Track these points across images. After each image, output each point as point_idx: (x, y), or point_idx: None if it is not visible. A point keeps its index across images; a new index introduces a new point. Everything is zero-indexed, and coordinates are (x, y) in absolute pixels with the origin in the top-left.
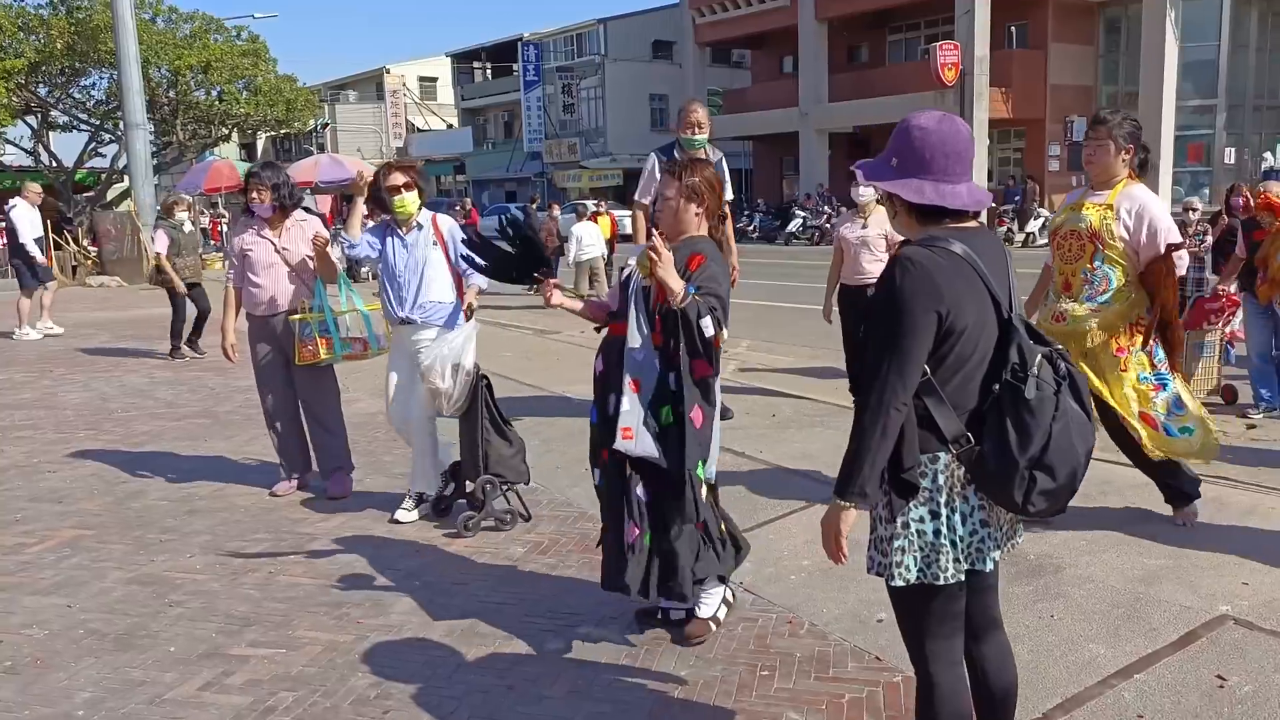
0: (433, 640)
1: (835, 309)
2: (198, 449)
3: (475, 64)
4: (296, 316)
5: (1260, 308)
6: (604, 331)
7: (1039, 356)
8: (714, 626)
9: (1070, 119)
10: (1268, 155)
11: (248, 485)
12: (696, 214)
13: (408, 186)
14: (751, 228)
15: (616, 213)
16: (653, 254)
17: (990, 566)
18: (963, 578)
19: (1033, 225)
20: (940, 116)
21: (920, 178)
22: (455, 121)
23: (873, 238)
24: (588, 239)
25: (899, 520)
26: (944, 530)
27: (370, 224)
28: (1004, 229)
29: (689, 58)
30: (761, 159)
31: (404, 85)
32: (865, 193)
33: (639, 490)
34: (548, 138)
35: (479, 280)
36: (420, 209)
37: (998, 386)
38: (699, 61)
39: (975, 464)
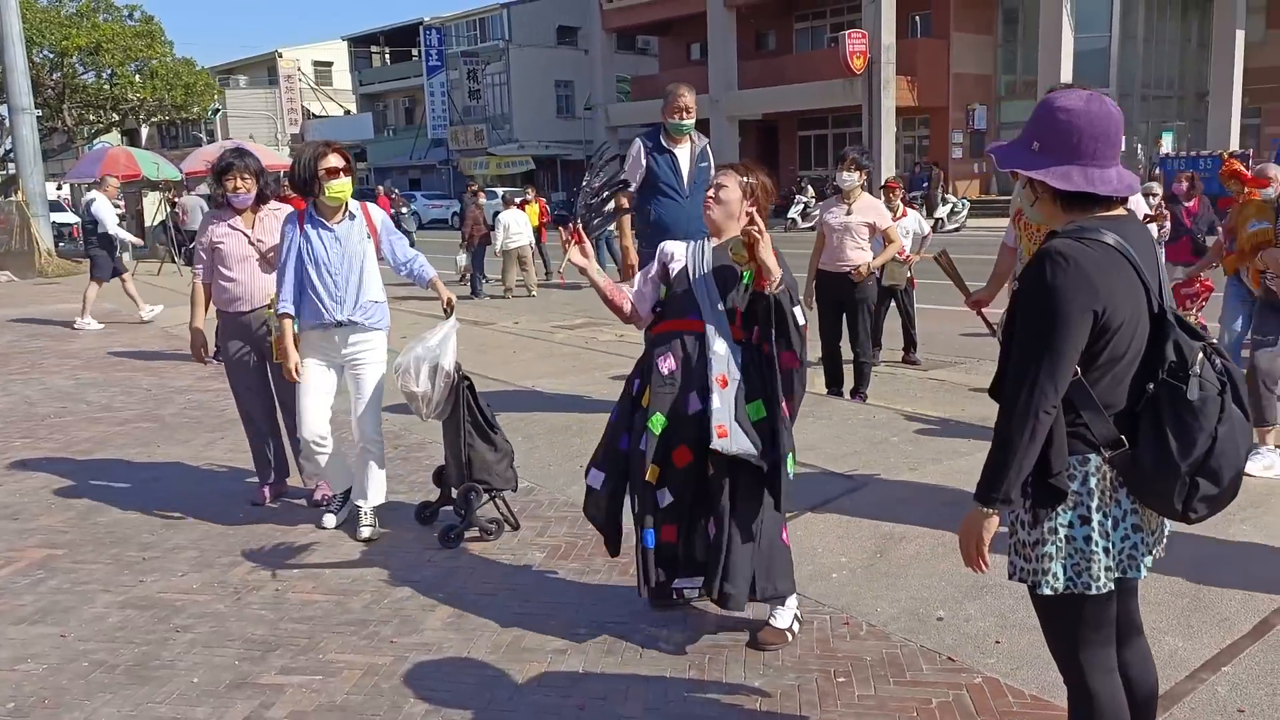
0: (479, 659)
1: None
2: (152, 455)
3: (373, 48)
4: (270, 310)
5: (1242, 293)
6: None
7: (1199, 354)
8: (789, 637)
9: (971, 107)
10: (1164, 138)
11: (221, 494)
12: (747, 214)
13: (345, 171)
14: None
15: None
16: (755, 233)
17: (1143, 573)
18: (1113, 586)
19: (941, 211)
20: (1088, 95)
21: (1068, 163)
22: (353, 107)
23: (856, 225)
24: (515, 226)
25: (1045, 525)
26: (1095, 536)
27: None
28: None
29: (596, 44)
30: None
31: (298, 70)
32: (849, 178)
33: (726, 491)
34: (452, 124)
35: (429, 269)
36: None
37: (1152, 386)
38: (607, 48)
39: (1130, 468)
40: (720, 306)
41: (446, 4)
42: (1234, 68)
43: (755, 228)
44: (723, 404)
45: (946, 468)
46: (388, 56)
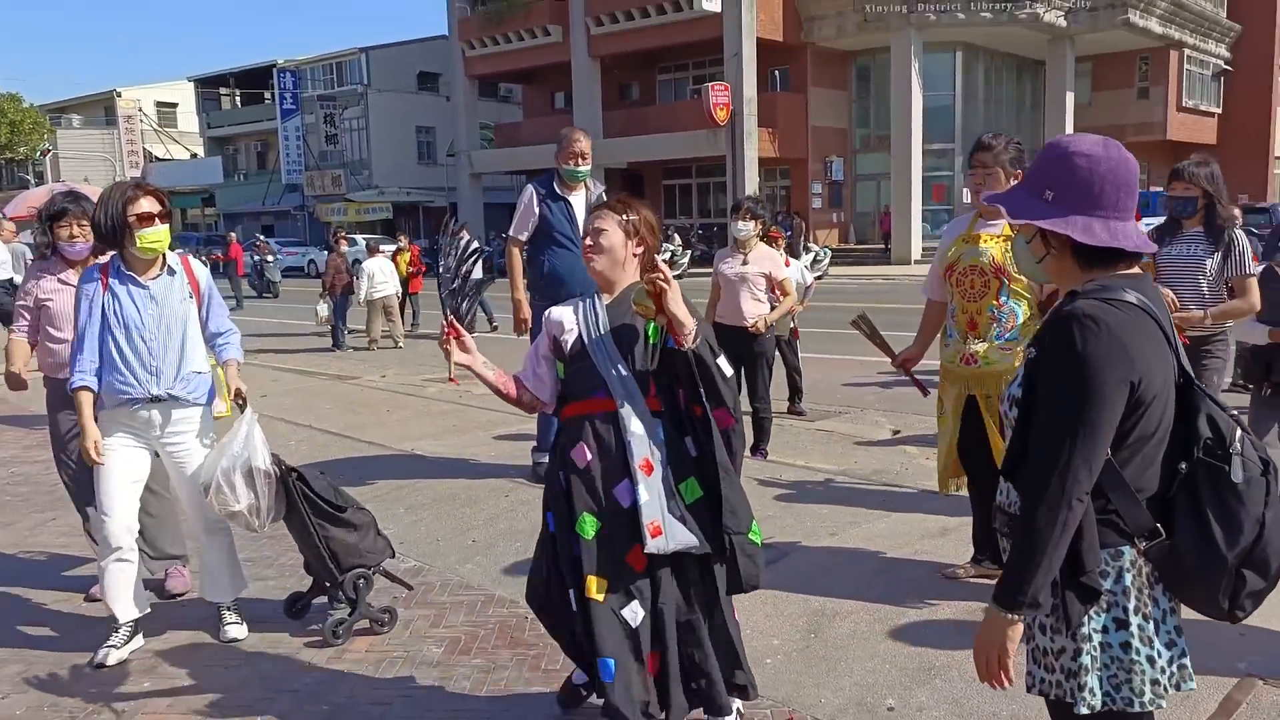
0: None
1: None
2: None
3: (222, 90)
4: None
5: None
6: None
7: (1236, 430)
8: None
9: (829, 159)
10: None
11: (51, 589)
12: (635, 256)
13: (162, 217)
14: None
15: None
16: (661, 282)
17: (1194, 685)
18: (1164, 704)
19: (804, 260)
20: (1105, 142)
21: (1088, 214)
22: (201, 150)
23: (753, 275)
24: (380, 276)
25: (1078, 632)
26: (1135, 643)
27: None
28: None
29: (459, 91)
30: None
31: (140, 110)
32: (745, 228)
33: (674, 592)
34: (308, 169)
35: (236, 351)
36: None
37: (1185, 465)
38: (469, 94)
39: (1168, 561)
40: (627, 374)
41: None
42: (1065, 127)
43: (659, 274)
44: (651, 495)
45: (867, 531)
46: (238, 98)
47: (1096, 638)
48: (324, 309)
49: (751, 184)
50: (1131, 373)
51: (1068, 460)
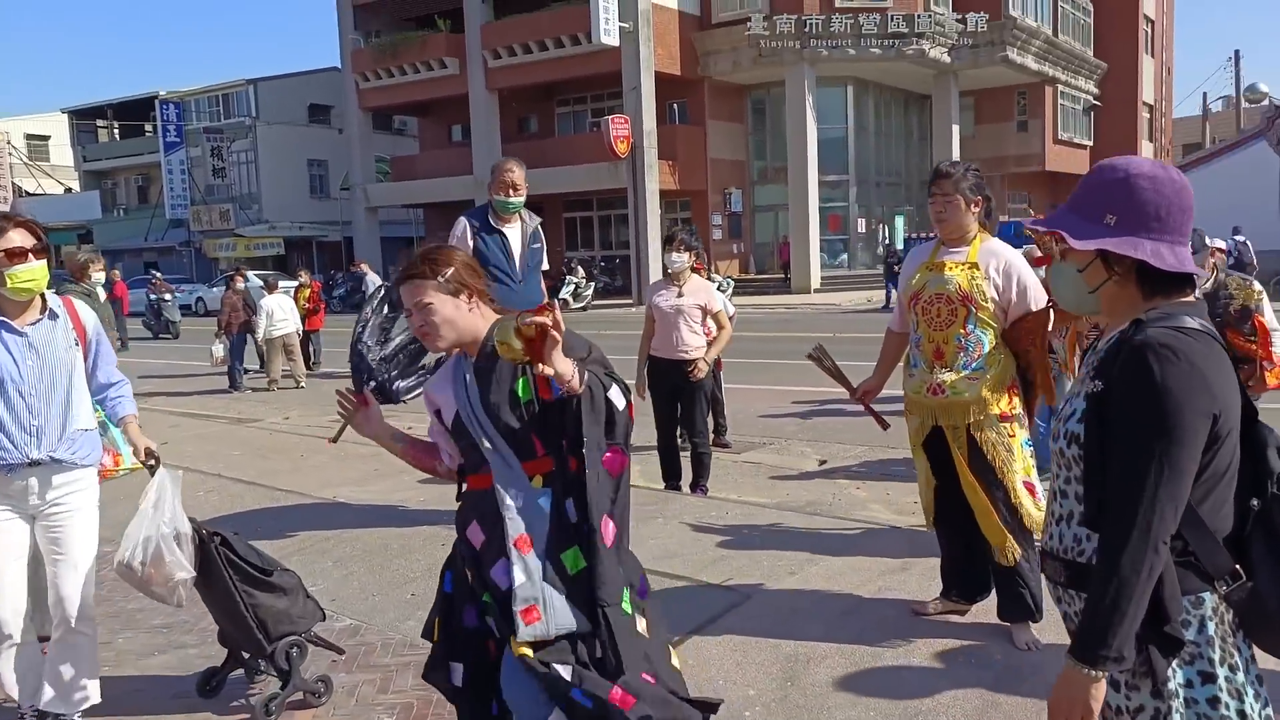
0: None
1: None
2: None
3: (99, 122)
4: None
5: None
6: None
7: None
8: None
9: (729, 191)
10: (898, 221)
11: None
12: (473, 309)
13: (37, 252)
14: None
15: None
16: (537, 326)
17: None
18: None
19: None
20: (1161, 163)
21: (1155, 238)
22: (76, 185)
23: (689, 308)
24: (280, 313)
25: (1164, 688)
26: (1224, 697)
27: None
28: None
29: (352, 123)
30: (434, 226)
31: (8, 143)
32: (679, 259)
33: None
34: (194, 204)
35: (130, 405)
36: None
37: (1257, 502)
38: (364, 127)
39: (1248, 605)
40: (501, 444)
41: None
42: (952, 158)
43: (547, 317)
44: (528, 575)
45: (827, 569)
46: (117, 131)
47: (1182, 693)
48: (219, 349)
49: (653, 215)
50: (1213, 404)
51: (1152, 500)
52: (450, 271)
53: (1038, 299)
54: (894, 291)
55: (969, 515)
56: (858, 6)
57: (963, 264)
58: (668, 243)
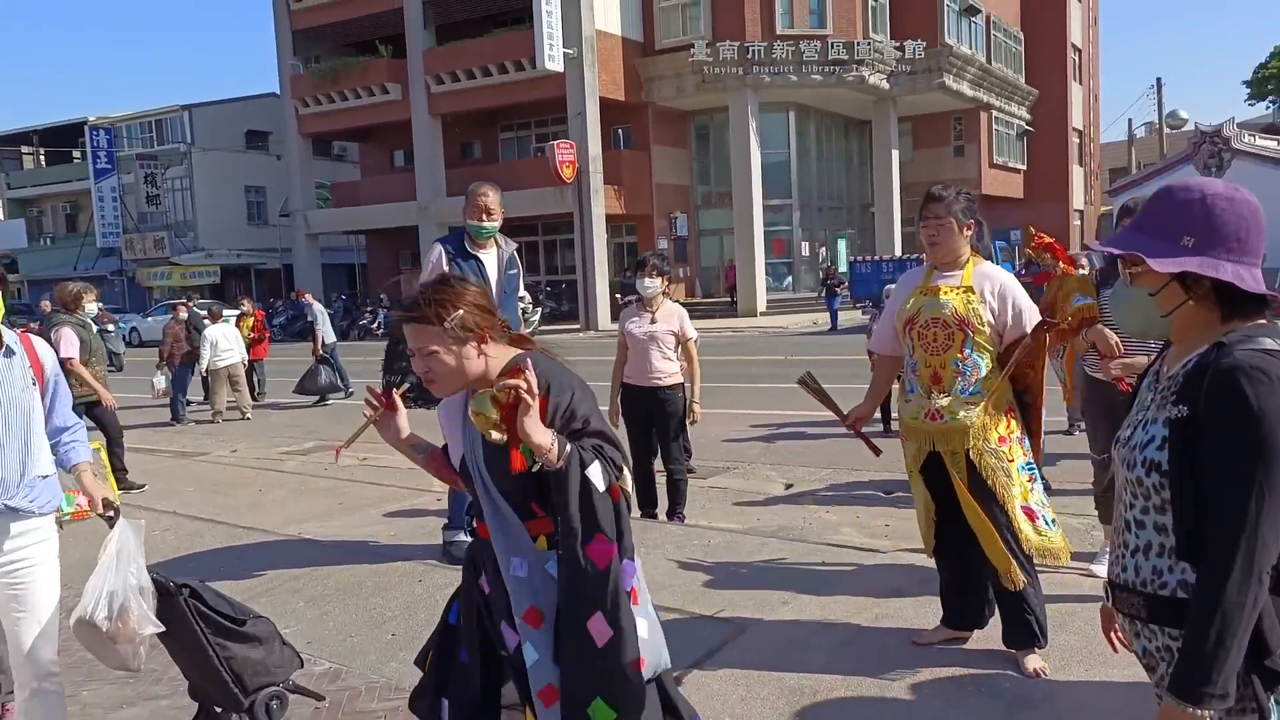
0: None
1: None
2: None
3: (24, 148)
4: None
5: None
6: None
7: None
8: None
9: (674, 215)
10: (840, 245)
11: None
12: (484, 355)
13: None
14: (376, 324)
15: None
16: (512, 390)
17: None
18: None
19: None
20: (1233, 185)
21: (1235, 260)
22: (1, 213)
23: (662, 334)
24: (224, 343)
25: None
26: None
27: None
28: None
29: (292, 149)
30: (376, 253)
31: None
32: (652, 285)
33: None
34: (127, 231)
35: (85, 450)
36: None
37: None
38: (303, 153)
39: None
40: (501, 504)
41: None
42: (892, 183)
43: (520, 382)
44: (542, 653)
45: (818, 597)
46: (43, 157)
47: None
48: (161, 381)
49: (600, 241)
50: None
51: (1254, 529)
52: (457, 317)
53: (1033, 321)
54: (836, 313)
55: (968, 542)
56: (799, 34)
57: (958, 288)
58: (639, 268)
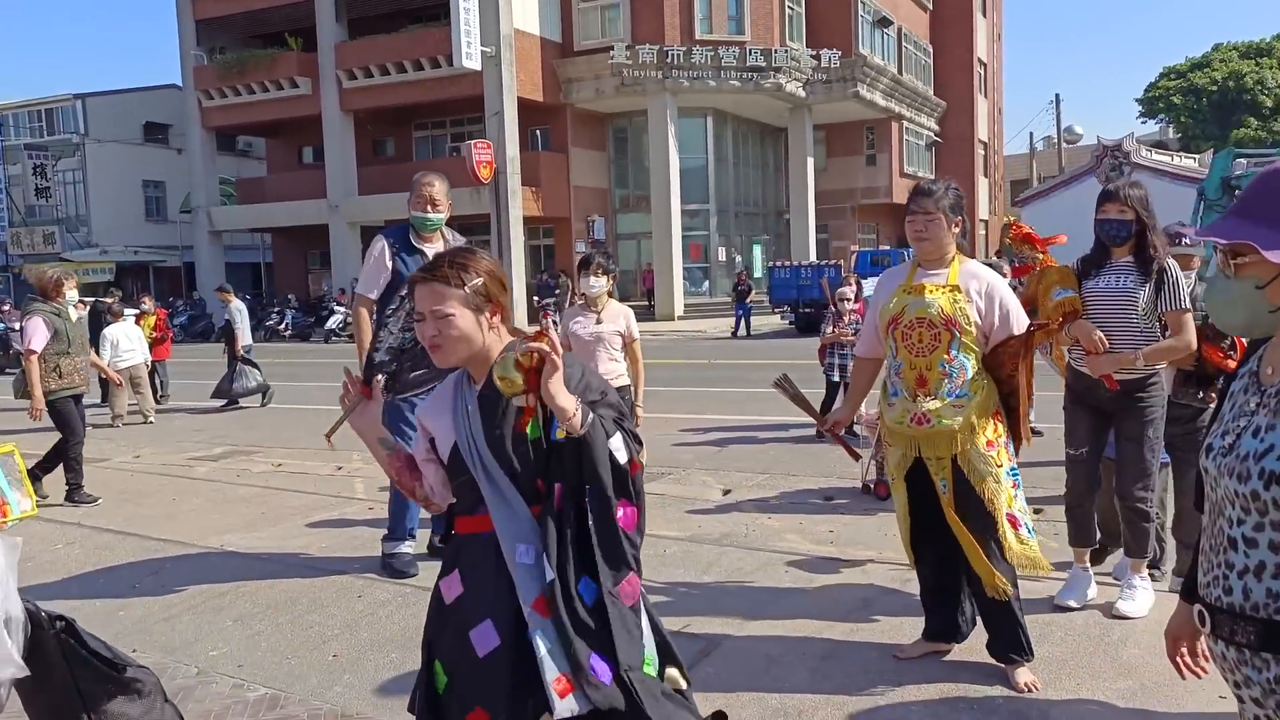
0: None
1: None
2: None
3: None
4: None
5: None
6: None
7: None
8: None
9: (592, 218)
10: (756, 250)
11: None
12: (494, 328)
13: None
14: (283, 325)
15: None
16: (536, 353)
17: None
18: None
19: None
20: None
21: None
22: None
23: (609, 334)
24: (125, 343)
25: None
26: None
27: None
28: (549, 320)
29: (195, 143)
30: (283, 252)
31: None
32: (597, 284)
33: None
34: (13, 225)
35: None
36: None
37: None
38: (207, 147)
39: None
40: (508, 486)
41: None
42: (807, 190)
43: (543, 344)
44: (553, 641)
45: (789, 609)
46: None
47: None
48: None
49: (518, 242)
50: None
51: None
52: (479, 283)
53: (1020, 322)
54: (746, 318)
55: (950, 551)
56: (717, 39)
57: (944, 286)
58: (583, 266)
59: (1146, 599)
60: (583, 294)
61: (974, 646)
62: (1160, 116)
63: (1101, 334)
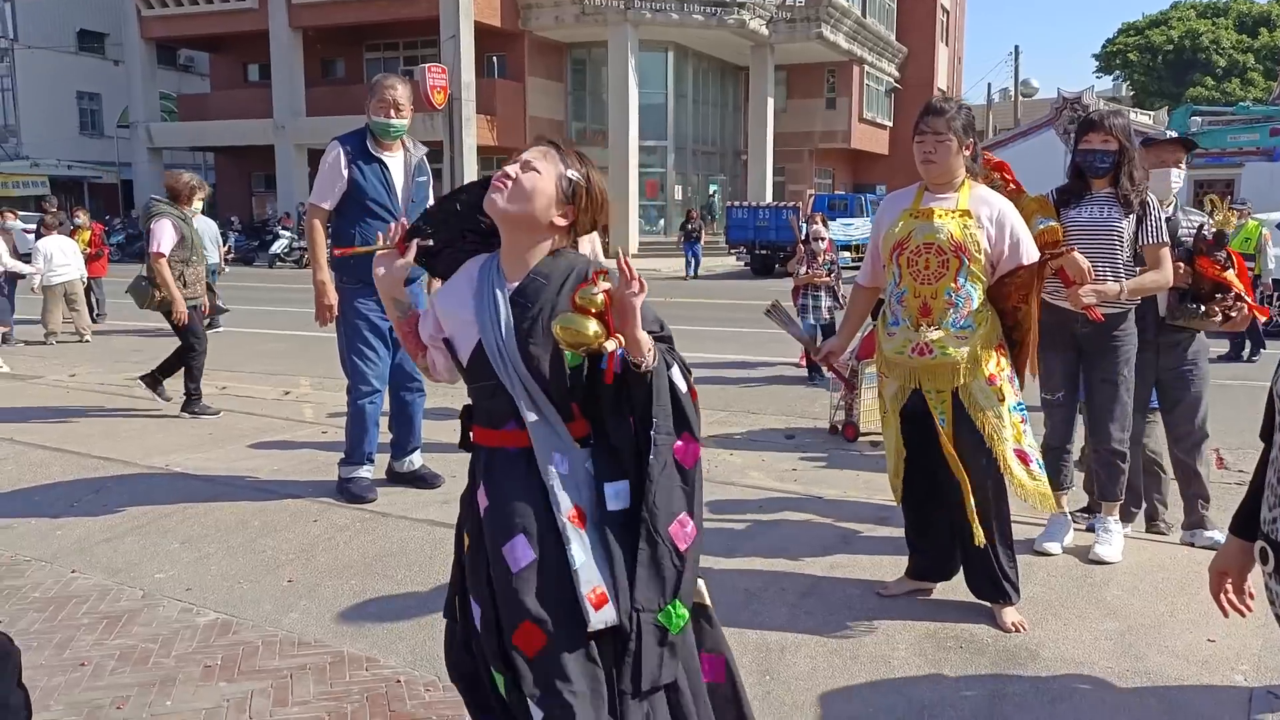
0: None
1: None
2: None
3: None
4: None
5: None
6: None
7: None
8: None
9: None
10: (713, 189)
11: None
12: (557, 226)
13: None
14: (227, 249)
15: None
16: (628, 290)
17: None
18: None
19: None
20: None
21: None
22: None
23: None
24: (60, 257)
25: None
26: None
27: None
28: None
29: (134, 54)
30: (227, 173)
31: None
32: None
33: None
34: None
35: None
36: None
37: None
38: (146, 59)
39: None
40: (541, 396)
41: None
42: (766, 130)
43: (606, 285)
44: (588, 553)
45: (766, 545)
46: None
47: None
48: None
49: (470, 172)
50: None
51: None
52: (578, 174)
53: (1030, 252)
54: (694, 259)
55: (939, 489)
56: None
57: (954, 211)
58: None
59: (1120, 543)
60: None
61: (957, 585)
62: (1116, 73)
63: (1089, 264)
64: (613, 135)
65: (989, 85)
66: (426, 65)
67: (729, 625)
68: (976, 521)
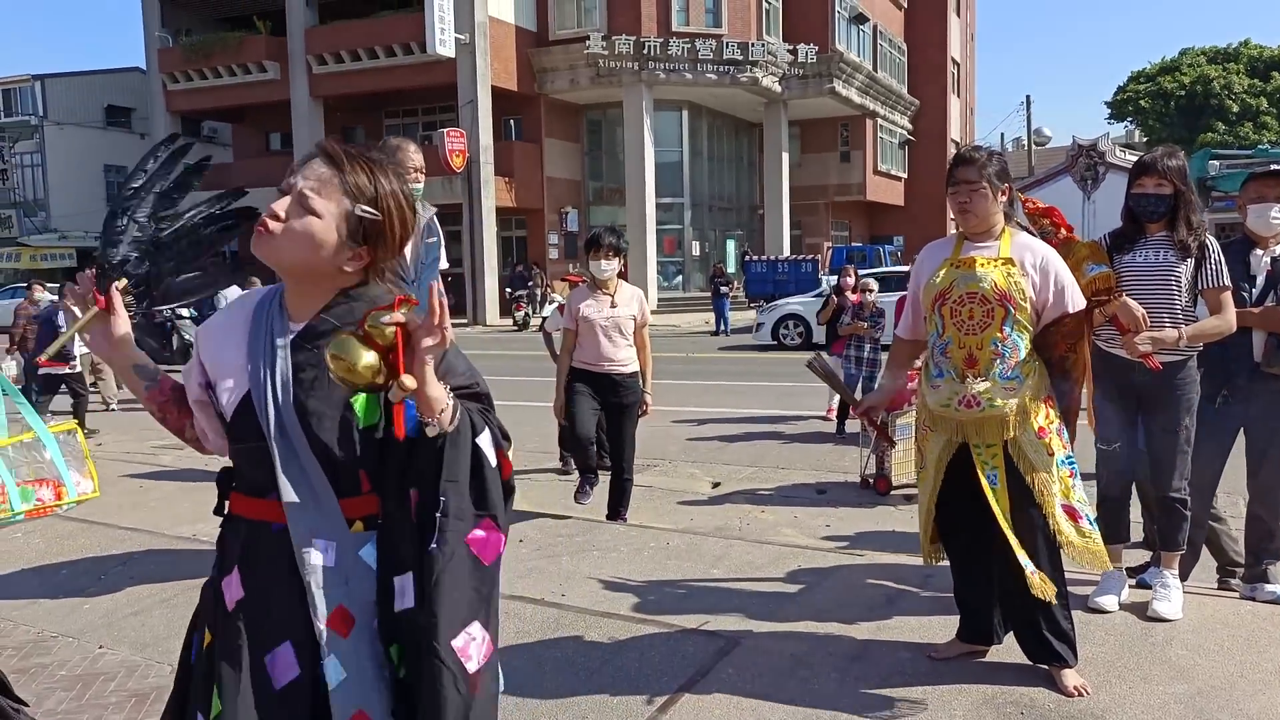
0: None
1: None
2: None
3: None
4: None
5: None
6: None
7: None
8: None
9: (565, 210)
10: (729, 245)
11: None
12: (349, 260)
13: None
14: None
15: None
16: (399, 319)
17: None
18: None
19: (548, 309)
20: None
21: None
22: None
23: (623, 319)
24: None
25: None
26: None
27: None
28: (521, 313)
29: (159, 127)
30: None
31: None
32: (609, 267)
33: None
34: None
35: None
36: None
37: None
38: (170, 132)
39: None
40: (312, 468)
41: None
42: (782, 185)
43: (399, 316)
44: (350, 669)
45: (809, 607)
46: None
47: None
48: (12, 367)
49: (490, 233)
50: None
51: None
52: (361, 180)
53: (1075, 300)
54: (725, 315)
55: (987, 549)
56: (694, 31)
57: (996, 260)
58: (592, 247)
59: (1179, 599)
60: (589, 276)
61: (1011, 647)
62: (1128, 119)
63: (1144, 311)
64: (630, 193)
65: (1002, 135)
66: (445, 130)
67: (778, 695)
68: (1033, 576)
